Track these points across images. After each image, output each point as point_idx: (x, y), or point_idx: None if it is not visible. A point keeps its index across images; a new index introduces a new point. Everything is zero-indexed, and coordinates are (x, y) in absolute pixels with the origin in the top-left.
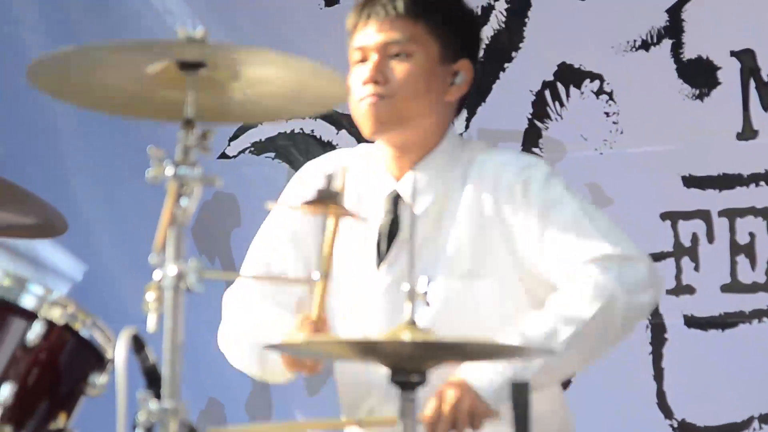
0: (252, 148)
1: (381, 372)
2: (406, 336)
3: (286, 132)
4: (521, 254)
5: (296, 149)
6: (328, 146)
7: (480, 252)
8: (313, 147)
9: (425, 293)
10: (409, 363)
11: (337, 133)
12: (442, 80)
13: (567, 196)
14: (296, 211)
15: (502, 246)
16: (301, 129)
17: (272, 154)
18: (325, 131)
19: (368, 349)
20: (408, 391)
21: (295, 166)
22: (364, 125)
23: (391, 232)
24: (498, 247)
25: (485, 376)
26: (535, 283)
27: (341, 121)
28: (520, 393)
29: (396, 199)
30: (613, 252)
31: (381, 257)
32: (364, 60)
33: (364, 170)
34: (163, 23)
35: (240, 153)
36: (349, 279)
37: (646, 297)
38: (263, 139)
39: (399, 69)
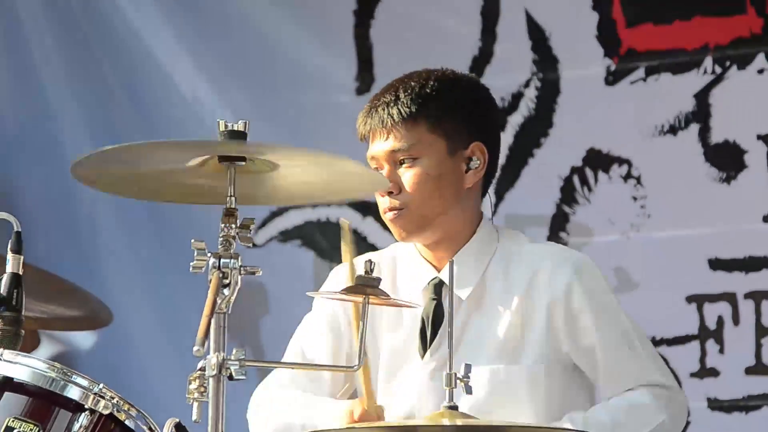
0: (279, 237)
1: None
2: (446, 420)
3: (312, 220)
4: (565, 350)
5: (323, 237)
6: (355, 233)
7: (522, 337)
8: (339, 234)
9: (467, 378)
10: None
11: (363, 220)
12: (455, 171)
13: (615, 305)
14: (335, 301)
15: (545, 335)
16: (327, 217)
17: (299, 242)
18: (352, 218)
19: None
20: None
21: (322, 253)
22: (394, 234)
23: (435, 319)
24: (540, 335)
25: None
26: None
27: (368, 207)
28: None
29: (438, 286)
30: (664, 382)
31: (425, 344)
32: (379, 168)
33: (405, 262)
34: (194, 113)
35: (268, 241)
36: (396, 368)
37: (683, 425)
38: (290, 227)
39: (407, 176)
